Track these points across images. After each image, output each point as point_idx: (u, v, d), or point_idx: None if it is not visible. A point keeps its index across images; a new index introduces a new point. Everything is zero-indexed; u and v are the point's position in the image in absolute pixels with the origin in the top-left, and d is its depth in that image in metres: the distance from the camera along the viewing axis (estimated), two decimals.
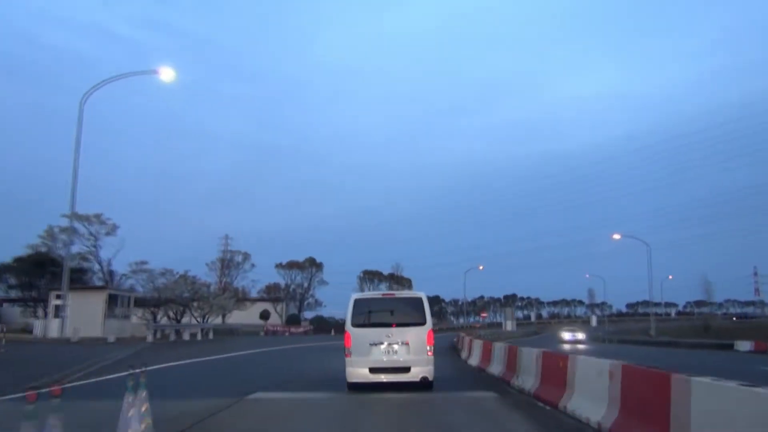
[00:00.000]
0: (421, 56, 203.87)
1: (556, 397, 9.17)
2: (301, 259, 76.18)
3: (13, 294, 43.73)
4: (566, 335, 48.07)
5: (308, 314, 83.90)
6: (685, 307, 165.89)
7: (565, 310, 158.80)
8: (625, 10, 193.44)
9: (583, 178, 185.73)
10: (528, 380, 11.19)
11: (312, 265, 76.44)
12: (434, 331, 12.20)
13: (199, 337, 39.86)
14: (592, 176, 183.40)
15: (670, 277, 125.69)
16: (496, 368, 14.65)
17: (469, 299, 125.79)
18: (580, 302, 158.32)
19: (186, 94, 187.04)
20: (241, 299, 59.30)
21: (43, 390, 4.66)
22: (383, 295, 12.63)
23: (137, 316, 42.47)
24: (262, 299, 73.78)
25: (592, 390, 7.87)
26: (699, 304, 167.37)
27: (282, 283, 75.34)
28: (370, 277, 78.92)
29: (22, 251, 41.22)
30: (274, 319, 65.70)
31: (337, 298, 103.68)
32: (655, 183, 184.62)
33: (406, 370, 11.06)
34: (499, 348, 15.06)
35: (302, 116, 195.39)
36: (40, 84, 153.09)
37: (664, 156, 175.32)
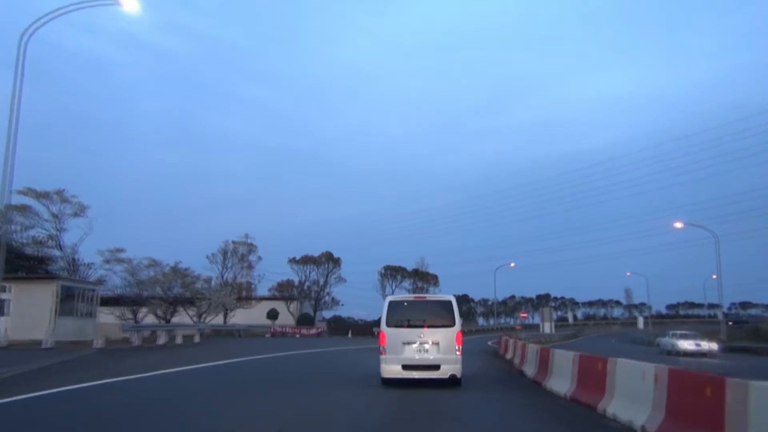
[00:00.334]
0: (444, 57, 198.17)
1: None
2: (316, 254, 69.28)
3: None
4: (686, 344, 32.92)
5: (326, 314, 77.13)
6: (729, 308, 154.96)
7: (602, 311, 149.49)
8: (652, 7, 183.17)
9: (612, 174, 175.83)
10: (638, 411, 8.11)
11: (329, 260, 69.32)
12: (462, 332, 12.92)
13: (197, 339, 33.36)
14: (625, 172, 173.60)
15: (714, 276, 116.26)
16: (558, 383, 11.80)
17: (500, 299, 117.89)
18: (617, 303, 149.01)
19: (204, 95, 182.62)
20: (246, 297, 52.45)
21: None
22: (416, 297, 13.39)
23: (115, 315, 36.00)
24: (273, 298, 67.04)
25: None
26: (744, 305, 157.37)
27: (295, 280, 68.55)
28: (393, 273, 71.32)
29: None
30: (286, 319, 58.87)
31: (356, 297, 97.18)
32: (687, 177, 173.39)
33: (436, 368, 11.78)
34: (563, 357, 12.29)
35: (323, 118, 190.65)
36: (61, 87, 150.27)
37: (692, 152, 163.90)
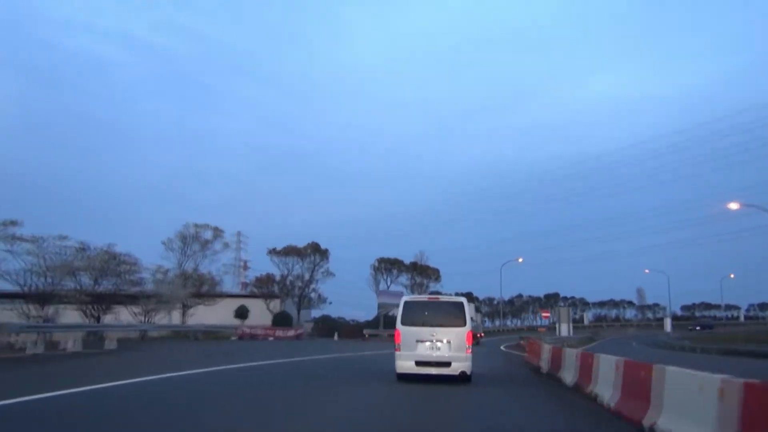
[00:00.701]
0: (446, 57, 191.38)
1: None
2: (301, 244, 60.67)
3: None
4: None
5: (315, 313, 68.34)
6: (747, 310, 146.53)
7: (613, 312, 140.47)
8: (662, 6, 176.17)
9: (619, 175, 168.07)
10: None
11: (315, 251, 60.71)
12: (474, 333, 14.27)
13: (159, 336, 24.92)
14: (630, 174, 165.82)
15: (732, 275, 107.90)
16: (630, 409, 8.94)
17: (506, 298, 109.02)
18: (630, 303, 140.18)
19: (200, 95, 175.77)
20: (208, 294, 43.61)
21: None
22: (429, 298, 14.24)
23: (18, 312, 27.45)
24: (251, 295, 58.50)
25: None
26: (763, 306, 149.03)
27: (277, 274, 59.97)
28: (388, 266, 62.48)
29: None
30: (262, 319, 50.31)
31: (349, 296, 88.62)
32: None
33: (448, 364, 12.50)
34: (608, 363, 10.43)
35: (315, 119, 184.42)
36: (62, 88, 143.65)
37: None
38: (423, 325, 12.60)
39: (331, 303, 62.11)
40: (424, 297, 14.85)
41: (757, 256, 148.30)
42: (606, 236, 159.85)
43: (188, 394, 10.50)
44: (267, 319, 50.31)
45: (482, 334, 58.40)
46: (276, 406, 9.29)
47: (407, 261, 64.30)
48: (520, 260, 76.14)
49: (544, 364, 17.72)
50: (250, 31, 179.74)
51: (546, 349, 18.58)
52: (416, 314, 12.81)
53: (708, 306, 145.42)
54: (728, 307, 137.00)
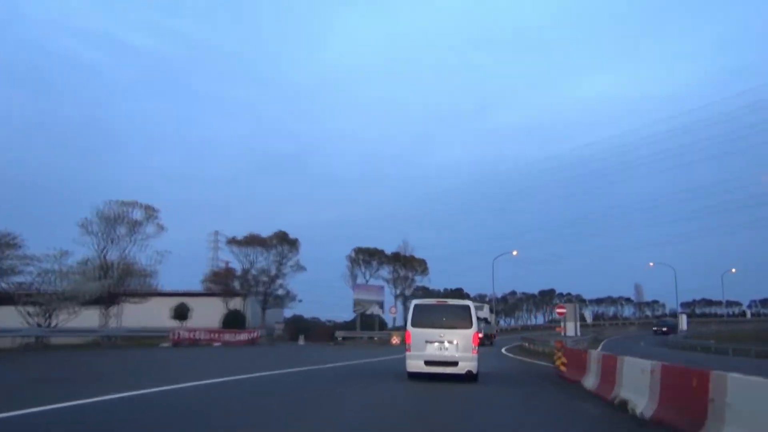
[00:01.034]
0: (440, 57, 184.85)
1: None
2: (266, 234, 52.10)
3: None
4: None
5: (287, 313, 59.55)
6: (749, 306, 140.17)
7: (611, 310, 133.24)
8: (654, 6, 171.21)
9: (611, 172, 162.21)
10: None
11: (282, 241, 52.12)
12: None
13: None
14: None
15: (733, 270, 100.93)
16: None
17: (499, 295, 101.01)
18: (628, 300, 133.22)
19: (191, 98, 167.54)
20: (138, 293, 34.61)
21: None
22: (437, 302, 14.79)
23: None
24: (205, 293, 49.84)
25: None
26: (765, 303, 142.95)
27: (238, 268, 51.32)
28: (367, 258, 53.87)
29: None
30: (207, 319, 41.72)
31: (325, 295, 79.99)
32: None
33: (455, 364, 13.27)
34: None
35: (308, 121, 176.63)
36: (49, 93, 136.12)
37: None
38: (432, 326, 13.47)
39: (300, 301, 53.35)
40: (433, 301, 15.35)
41: (758, 251, 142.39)
42: (602, 232, 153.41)
43: None
44: (215, 320, 41.75)
45: (495, 335, 53.19)
46: None
47: (389, 251, 56.02)
48: (515, 253, 68.60)
49: (592, 381, 12.98)
50: (232, 33, 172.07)
51: (594, 359, 13.54)
52: (425, 317, 13.66)
53: (709, 302, 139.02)
54: (729, 304, 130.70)
